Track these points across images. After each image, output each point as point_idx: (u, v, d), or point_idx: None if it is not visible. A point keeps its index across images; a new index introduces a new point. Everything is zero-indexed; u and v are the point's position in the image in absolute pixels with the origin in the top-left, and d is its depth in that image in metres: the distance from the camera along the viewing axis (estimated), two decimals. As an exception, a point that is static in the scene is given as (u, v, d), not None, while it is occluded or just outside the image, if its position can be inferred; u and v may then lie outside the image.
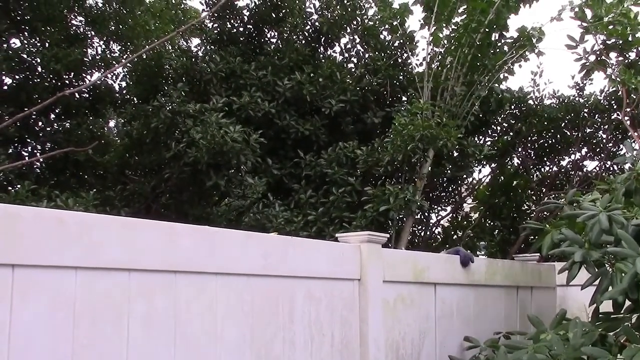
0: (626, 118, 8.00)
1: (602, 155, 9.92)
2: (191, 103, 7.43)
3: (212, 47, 8.92)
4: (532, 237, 8.67)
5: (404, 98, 8.95)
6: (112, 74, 8.67)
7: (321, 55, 9.22)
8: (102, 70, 8.68)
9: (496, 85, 8.81)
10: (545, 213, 9.16)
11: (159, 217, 7.04)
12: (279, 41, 9.21)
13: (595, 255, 4.03)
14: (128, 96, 8.89)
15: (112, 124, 10.24)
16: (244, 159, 7.05)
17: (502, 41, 8.67)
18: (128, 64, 8.37)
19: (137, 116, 7.74)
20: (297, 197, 7.78)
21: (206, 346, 3.39)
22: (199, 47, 9.10)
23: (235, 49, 8.54)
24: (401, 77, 9.01)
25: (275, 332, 3.85)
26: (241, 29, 9.26)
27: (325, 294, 4.28)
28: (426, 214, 9.84)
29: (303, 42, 9.16)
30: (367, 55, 9.17)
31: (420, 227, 10.04)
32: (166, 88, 7.86)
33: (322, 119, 8.30)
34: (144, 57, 8.15)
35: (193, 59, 8.50)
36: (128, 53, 8.74)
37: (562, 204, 5.03)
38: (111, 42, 9.24)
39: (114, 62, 8.66)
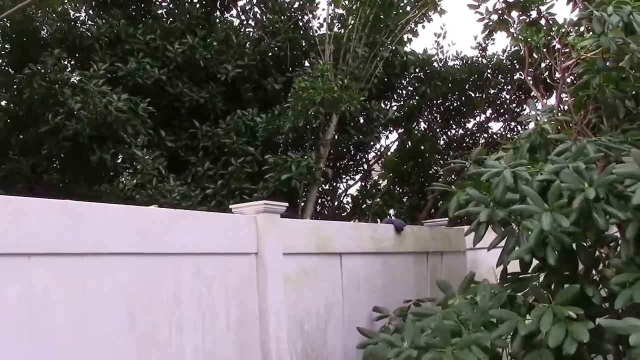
0: (529, 78, 7.95)
1: (507, 116, 9.97)
2: (73, 71, 6.75)
3: (94, 10, 8.15)
4: (441, 202, 8.58)
5: (306, 63, 8.57)
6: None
7: (217, 20, 8.66)
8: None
9: (400, 47, 8.59)
10: (453, 177, 9.12)
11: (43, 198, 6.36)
12: (170, 4, 8.56)
13: (501, 215, 3.87)
14: (4, 67, 8.01)
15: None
16: (131, 130, 6.46)
17: (405, 1, 8.44)
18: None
19: (8, 87, 6.95)
20: (194, 170, 7.28)
21: (71, 338, 3.01)
22: (77, 10, 8.26)
23: (120, 12, 7.82)
24: (303, 42, 8.62)
25: (159, 315, 3.53)
26: (127, -10, 8.51)
27: (219, 270, 3.97)
28: (333, 183, 9.59)
29: (197, 5, 8.56)
30: (264, 18, 8.70)
31: (328, 197, 9.79)
32: (42, 56, 7.08)
33: (218, 86, 7.79)
34: (16, 20, 7.30)
35: (72, 23, 7.73)
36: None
37: (467, 163, 4.86)
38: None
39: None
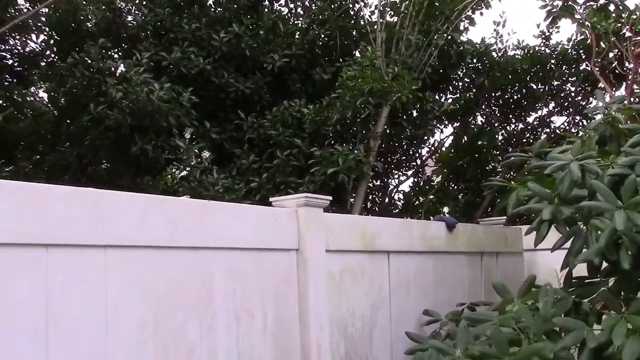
0: (596, 68, 7.43)
1: (571, 109, 9.41)
2: (117, 61, 6.63)
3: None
4: (499, 199, 8.16)
5: (357, 53, 8.25)
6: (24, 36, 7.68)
7: (265, 9, 8.42)
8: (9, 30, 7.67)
9: (456, 35, 8.17)
10: (512, 172, 8.67)
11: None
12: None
13: (567, 212, 3.58)
14: (51, 58, 7.96)
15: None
16: (174, 120, 6.28)
17: (461, -15, 8.02)
18: (41, 21, 7.40)
19: (52, 77, 6.88)
20: (239, 162, 7.06)
21: (91, 338, 2.82)
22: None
23: (166, 0, 7.67)
24: (353, 31, 8.31)
25: (188, 315, 3.33)
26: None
27: (255, 267, 3.75)
28: (384, 179, 9.25)
29: (247, -7, 8.34)
30: (314, 6, 8.42)
31: (379, 193, 9.46)
32: (86, 46, 6.99)
33: (265, 77, 7.56)
34: (59, 9, 7.22)
35: (117, 12, 7.62)
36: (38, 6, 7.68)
37: (528, 157, 4.49)
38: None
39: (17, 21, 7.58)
